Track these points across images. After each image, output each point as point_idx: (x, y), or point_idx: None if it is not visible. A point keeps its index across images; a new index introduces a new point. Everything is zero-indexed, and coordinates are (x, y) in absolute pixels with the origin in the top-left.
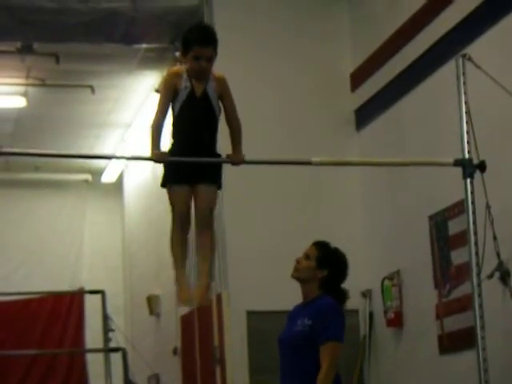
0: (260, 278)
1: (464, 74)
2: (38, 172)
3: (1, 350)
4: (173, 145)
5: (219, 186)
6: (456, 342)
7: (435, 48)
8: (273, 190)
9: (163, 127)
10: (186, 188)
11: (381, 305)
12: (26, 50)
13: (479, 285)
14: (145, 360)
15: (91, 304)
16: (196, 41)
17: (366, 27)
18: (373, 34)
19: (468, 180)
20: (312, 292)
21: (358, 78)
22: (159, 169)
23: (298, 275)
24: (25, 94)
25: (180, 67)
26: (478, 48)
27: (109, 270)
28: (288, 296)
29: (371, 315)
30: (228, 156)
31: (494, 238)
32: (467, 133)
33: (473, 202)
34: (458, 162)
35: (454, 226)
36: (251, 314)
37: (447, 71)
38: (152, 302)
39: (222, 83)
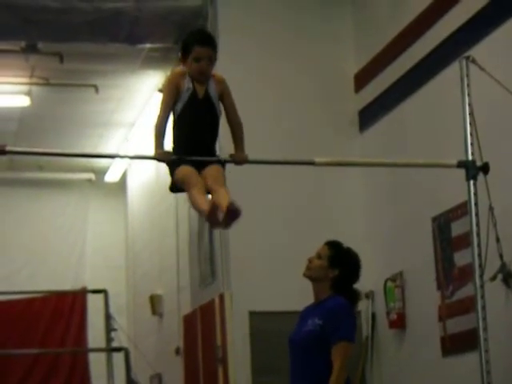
0: (262, 279)
1: (468, 75)
2: (42, 171)
3: (3, 349)
4: (174, 147)
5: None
6: (459, 343)
7: (439, 50)
8: (276, 190)
9: (166, 127)
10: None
11: (383, 306)
12: (30, 49)
13: (482, 286)
14: (147, 360)
15: (94, 303)
16: (196, 41)
17: (369, 29)
18: (376, 35)
19: (471, 182)
20: (323, 292)
21: (362, 79)
22: (162, 168)
23: (310, 274)
24: (29, 93)
25: (184, 68)
26: (481, 50)
27: (111, 269)
28: (291, 296)
29: (374, 316)
30: (231, 156)
31: (497, 239)
32: (471, 134)
33: (476, 204)
34: (462, 164)
35: (457, 228)
36: (254, 315)
37: (451, 73)
38: (155, 302)
39: (222, 84)
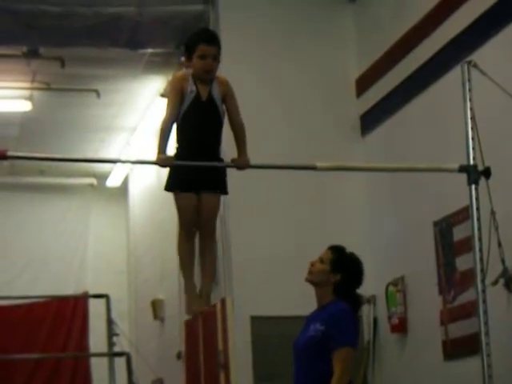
0: (264, 284)
1: (469, 80)
2: (43, 176)
3: (5, 354)
4: (178, 149)
5: (225, 192)
6: (460, 348)
7: (440, 54)
8: (278, 195)
9: (171, 131)
10: (191, 195)
11: (385, 310)
12: (31, 54)
13: (484, 291)
14: (149, 364)
15: (95, 308)
16: (202, 40)
17: (371, 33)
18: (378, 40)
19: (473, 186)
20: (326, 296)
21: (364, 83)
22: (164, 173)
23: (312, 278)
24: (30, 98)
25: (186, 71)
26: (483, 54)
27: (113, 274)
28: (292, 301)
29: (375, 321)
30: (233, 160)
31: (499, 244)
32: (472, 139)
33: (478, 209)
34: (463, 168)
35: (458, 232)
36: (255, 319)
37: (453, 78)
38: (156, 307)
39: (225, 86)
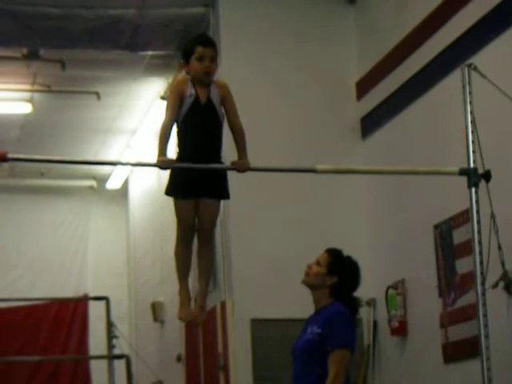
0: (264, 286)
1: (470, 83)
2: (43, 178)
3: (5, 356)
4: (179, 153)
5: (227, 197)
6: (460, 351)
7: (441, 57)
8: (278, 198)
9: (170, 134)
10: (190, 201)
11: (385, 314)
12: (32, 56)
13: (484, 294)
14: (149, 367)
15: (95, 311)
16: (199, 42)
17: (371, 36)
18: (379, 42)
19: (473, 189)
20: (323, 299)
21: (364, 86)
22: (164, 176)
23: (308, 281)
24: (30, 100)
25: (185, 75)
26: (483, 57)
27: (113, 276)
28: (292, 304)
29: (375, 324)
30: (233, 163)
31: (499, 247)
32: (472, 142)
33: (478, 212)
34: (463, 172)
35: (458, 235)
36: (255, 322)
37: (453, 81)
38: (156, 309)
39: (224, 89)
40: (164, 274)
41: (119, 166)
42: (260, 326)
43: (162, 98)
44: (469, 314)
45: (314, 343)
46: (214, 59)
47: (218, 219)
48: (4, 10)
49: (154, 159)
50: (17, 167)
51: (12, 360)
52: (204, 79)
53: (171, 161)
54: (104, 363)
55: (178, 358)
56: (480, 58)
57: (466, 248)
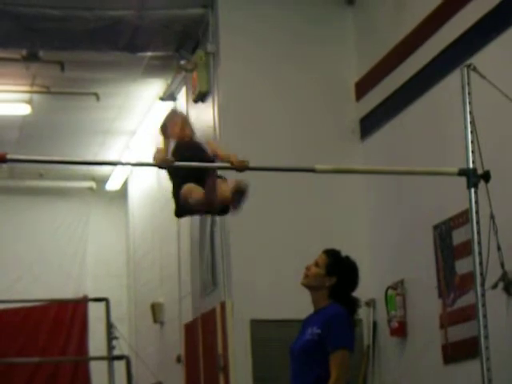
0: (264, 287)
1: (469, 84)
2: (43, 179)
3: (5, 357)
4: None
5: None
6: (460, 351)
7: (440, 58)
8: (277, 199)
9: None
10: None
11: (385, 314)
12: (31, 57)
13: (483, 295)
14: (148, 368)
15: (95, 312)
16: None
17: (371, 36)
18: (378, 43)
19: (472, 190)
20: (322, 300)
21: (363, 87)
22: (164, 177)
23: (307, 282)
24: (30, 102)
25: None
26: (483, 58)
27: (113, 277)
28: (292, 305)
29: (375, 325)
30: (232, 163)
31: (498, 248)
32: (472, 143)
33: (477, 212)
34: (463, 172)
35: (458, 236)
36: (255, 323)
37: (452, 81)
38: (156, 310)
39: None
40: (163, 275)
41: (118, 167)
42: (260, 327)
43: (161, 98)
44: (468, 314)
45: (314, 344)
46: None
47: (218, 219)
48: (4, 11)
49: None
50: (16, 168)
51: (11, 361)
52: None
53: (170, 160)
54: (104, 364)
55: (178, 359)
56: (479, 59)
57: (466, 248)
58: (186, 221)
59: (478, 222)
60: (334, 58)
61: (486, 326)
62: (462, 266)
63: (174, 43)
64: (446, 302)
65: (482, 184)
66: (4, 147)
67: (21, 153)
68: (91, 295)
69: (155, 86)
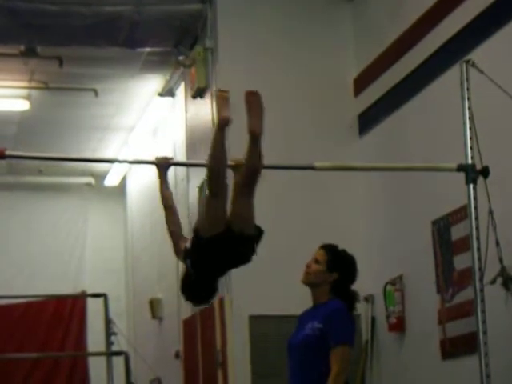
0: (262, 283)
1: (468, 79)
2: (41, 175)
3: (3, 353)
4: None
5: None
6: (458, 347)
7: (439, 53)
8: (275, 195)
9: None
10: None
11: (383, 310)
12: (29, 53)
13: (482, 290)
14: (147, 363)
15: (93, 307)
16: None
17: (369, 33)
18: (376, 39)
19: (471, 185)
20: (323, 296)
21: (361, 83)
22: None
23: (310, 280)
24: (28, 97)
25: None
26: (481, 53)
27: (111, 273)
28: (291, 300)
29: (373, 320)
30: (231, 162)
31: (497, 243)
32: (470, 138)
33: (475, 208)
34: (461, 168)
35: (456, 231)
36: (253, 319)
37: (451, 77)
38: (154, 306)
39: None
40: (162, 271)
41: (117, 163)
42: (258, 323)
43: (160, 94)
44: (467, 309)
45: (316, 338)
46: None
47: None
48: (1, 7)
49: (151, 156)
50: (14, 164)
51: (10, 357)
52: None
53: (169, 159)
54: (102, 360)
55: (177, 355)
56: (478, 54)
57: (464, 244)
58: (184, 215)
59: (476, 218)
60: (333, 54)
61: (484, 322)
62: (460, 262)
63: (173, 39)
64: (444, 297)
65: (480, 180)
66: (2, 143)
67: (19, 149)
68: (90, 291)
69: (154, 82)
